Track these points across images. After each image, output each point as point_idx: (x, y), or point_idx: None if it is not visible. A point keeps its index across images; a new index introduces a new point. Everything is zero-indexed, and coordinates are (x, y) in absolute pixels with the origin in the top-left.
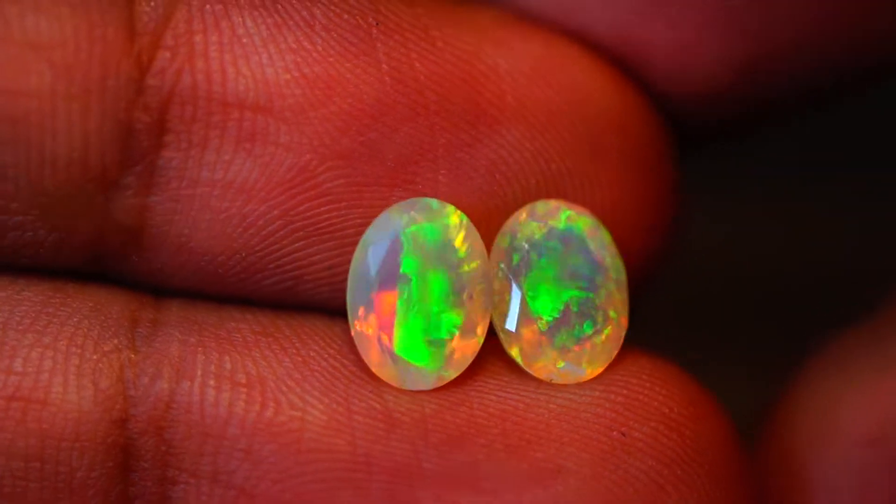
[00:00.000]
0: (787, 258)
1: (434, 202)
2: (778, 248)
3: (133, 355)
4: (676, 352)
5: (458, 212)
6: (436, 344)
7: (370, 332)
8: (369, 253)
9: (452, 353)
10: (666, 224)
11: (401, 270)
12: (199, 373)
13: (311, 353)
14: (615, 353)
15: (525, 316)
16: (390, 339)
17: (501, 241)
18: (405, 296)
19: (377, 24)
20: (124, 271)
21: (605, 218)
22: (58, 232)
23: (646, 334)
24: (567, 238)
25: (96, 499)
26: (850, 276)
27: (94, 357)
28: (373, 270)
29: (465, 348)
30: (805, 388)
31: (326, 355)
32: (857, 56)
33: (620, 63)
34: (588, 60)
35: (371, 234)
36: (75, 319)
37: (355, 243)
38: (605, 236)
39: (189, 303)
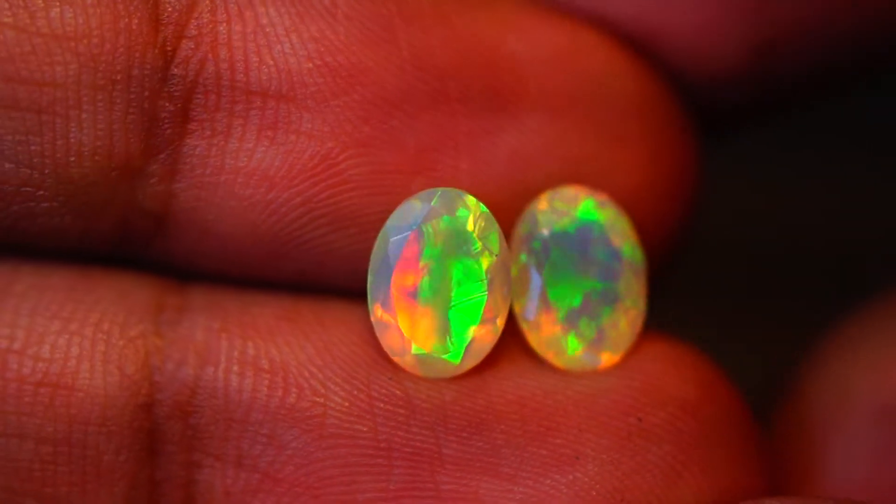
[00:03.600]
0: (801, 234)
1: (453, 192)
2: (791, 223)
3: (158, 341)
4: (690, 329)
5: (478, 202)
6: (454, 334)
7: (389, 321)
8: (389, 242)
9: (471, 343)
10: (687, 208)
11: (420, 261)
12: (223, 359)
13: (333, 340)
14: (633, 341)
15: (544, 305)
16: (409, 330)
17: (521, 230)
18: (424, 286)
19: (398, 11)
20: (150, 257)
21: (626, 203)
22: (84, 218)
23: (663, 313)
24: (586, 226)
25: (123, 482)
26: (865, 252)
27: (120, 343)
28: (392, 260)
29: (484, 338)
30: (821, 362)
31: (348, 341)
32: (879, 38)
33: (640, 48)
34: (607, 45)
35: (391, 223)
36: (101, 305)
37: (377, 229)
38: (624, 223)
39: (213, 288)
